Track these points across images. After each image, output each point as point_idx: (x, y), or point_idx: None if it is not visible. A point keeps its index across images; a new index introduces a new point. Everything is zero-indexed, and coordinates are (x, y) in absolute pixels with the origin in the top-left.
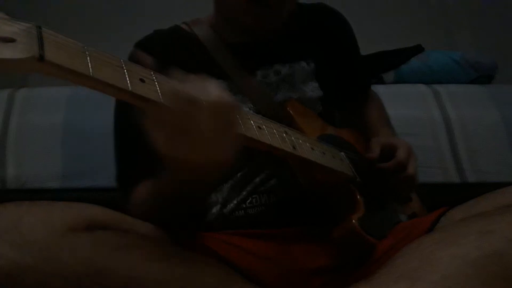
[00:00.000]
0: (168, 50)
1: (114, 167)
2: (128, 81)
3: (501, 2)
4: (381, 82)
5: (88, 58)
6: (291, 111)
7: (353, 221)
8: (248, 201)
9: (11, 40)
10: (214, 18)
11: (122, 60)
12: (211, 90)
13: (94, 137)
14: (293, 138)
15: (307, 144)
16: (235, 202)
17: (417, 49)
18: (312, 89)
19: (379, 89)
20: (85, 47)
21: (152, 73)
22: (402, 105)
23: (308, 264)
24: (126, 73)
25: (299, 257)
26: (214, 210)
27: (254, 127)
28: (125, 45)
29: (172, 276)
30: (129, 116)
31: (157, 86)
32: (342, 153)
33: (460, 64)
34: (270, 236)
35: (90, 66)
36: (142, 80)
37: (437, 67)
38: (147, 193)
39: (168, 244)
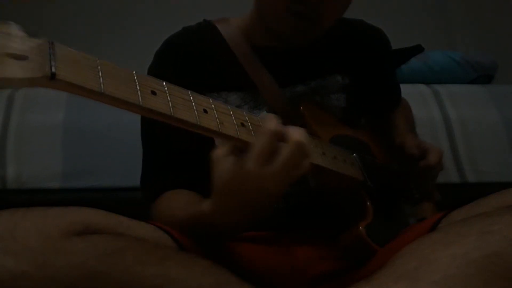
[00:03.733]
0: (195, 47)
1: (114, 167)
2: (139, 95)
3: (501, 2)
4: None
5: (99, 73)
6: (305, 112)
7: (361, 228)
8: None
9: (23, 58)
10: (249, 19)
11: (134, 73)
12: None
13: (94, 137)
14: None
15: (319, 149)
16: None
17: (417, 49)
18: (337, 99)
19: None
20: (98, 61)
21: (164, 84)
22: None
23: (313, 268)
24: (137, 87)
25: (305, 260)
26: None
27: None
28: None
29: (168, 279)
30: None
31: (168, 98)
32: (355, 155)
33: (460, 64)
34: (277, 239)
35: (101, 82)
36: (153, 93)
37: (437, 67)
38: (174, 211)
39: (164, 246)
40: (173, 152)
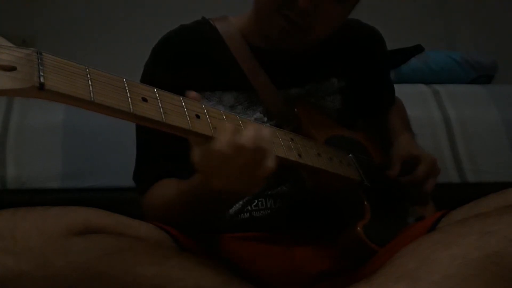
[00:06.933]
0: (191, 45)
1: (114, 167)
2: (130, 102)
3: (501, 2)
4: None
5: (89, 82)
6: (300, 114)
7: (358, 228)
8: (254, 204)
9: (11, 69)
10: (248, 19)
11: (124, 80)
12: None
13: (94, 137)
14: (299, 145)
15: (314, 150)
16: (241, 203)
17: (417, 49)
18: (333, 101)
19: None
20: (87, 69)
21: (155, 90)
22: None
23: (311, 268)
24: (128, 94)
25: (302, 260)
26: None
27: None
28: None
29: (168, 279)
30: None
31: (160, 105)
32: (351, 156)
33: (460, 64)
34: (274, 239)
35: (91, 91)
36: (144, 100)
37: (437, 67)
38: (167, 192)
39: (165, 246)
40: (163, 145)
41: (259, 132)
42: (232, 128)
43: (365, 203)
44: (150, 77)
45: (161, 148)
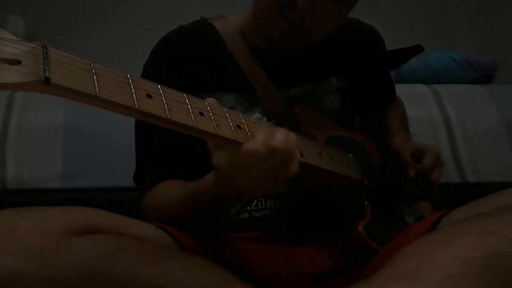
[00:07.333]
0: (191, 46)
1: (114, 167)
2: (135, 98)
3: (500, 2)
4: None
5: (94, 77)
6: (300, 114)
7: (360, 228)
8: (254, 204)
9: (16, 62)
10: (248, 19)
11: (129, 76)
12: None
13: (94, 137)
14: (300, 144)
15: (315, 149)
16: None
17: (417, 49)
18: (332, 100)
19: None
20: (92, 64)
21: (160, 87)
22: None
23: (311, 268)
24: (132, 90)
25: (302, 260)
26: None
27: None
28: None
29: (168, 279)
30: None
31: (164, 101)
32: (350, 155)
33: (460, 64)
34: (274, 239)
35: (96, 86)
36: (149, 96)
37: (437, 67)
38: (171, 193)
39: (165, 246)
40: (165, 145)
41: (288, 136)
42: (266, 130)
43: (366, 202)
44: (150, 78)
45: (161, 149)
